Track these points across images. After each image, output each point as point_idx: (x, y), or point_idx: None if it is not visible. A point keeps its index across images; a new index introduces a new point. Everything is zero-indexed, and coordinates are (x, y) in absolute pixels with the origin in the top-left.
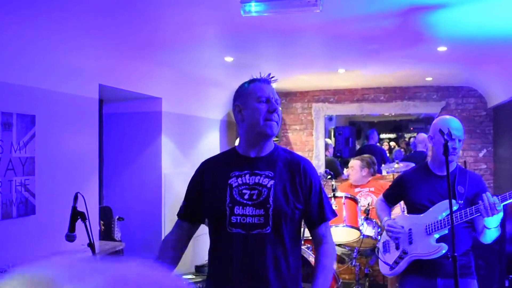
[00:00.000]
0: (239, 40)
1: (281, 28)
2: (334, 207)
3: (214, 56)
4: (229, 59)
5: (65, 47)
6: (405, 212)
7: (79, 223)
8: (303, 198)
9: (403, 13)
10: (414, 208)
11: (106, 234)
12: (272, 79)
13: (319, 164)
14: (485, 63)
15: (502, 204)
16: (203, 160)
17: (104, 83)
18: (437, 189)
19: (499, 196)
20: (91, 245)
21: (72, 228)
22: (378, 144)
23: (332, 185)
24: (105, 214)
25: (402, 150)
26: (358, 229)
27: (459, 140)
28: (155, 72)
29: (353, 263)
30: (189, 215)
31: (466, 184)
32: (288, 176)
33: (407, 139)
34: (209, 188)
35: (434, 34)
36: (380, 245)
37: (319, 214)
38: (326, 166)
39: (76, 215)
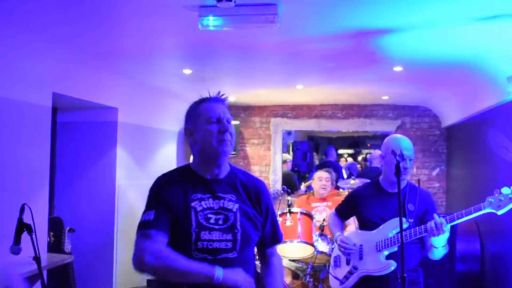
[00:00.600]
0: (197, 53)
1: (241, 43)
2: (289, 223)
3: (173, 68)
4: (187, 71)
5: (18, 52)
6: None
7: (25, 236)
8: (262, 222)
9: (356, 35)
10: (366, 225)
11: (56, 246)
12: (223, 96)
13: (276, 178)
14: (439, 85)
15: (450, 224)
16: (159, 172)
17: (58, 91)
18: (388, 206)
19: (448, 217)
20: (36, 258)
21: (17, 240)
22: (336, 161)
23: (288, 200)
24: (56, 225)
25: (358, 165)
26: (312, 245)
27: (410, 160)
28: (112, 82)
29: (307, 278)
30: (165, 225)
31: (416, 201)
32: (249, 200)
33: (364, 155)
34: (171, 207)
35: (389, 55)
36: (331, 259)
37: (273, 237)
38: (284, 180)
39: (22, 227)
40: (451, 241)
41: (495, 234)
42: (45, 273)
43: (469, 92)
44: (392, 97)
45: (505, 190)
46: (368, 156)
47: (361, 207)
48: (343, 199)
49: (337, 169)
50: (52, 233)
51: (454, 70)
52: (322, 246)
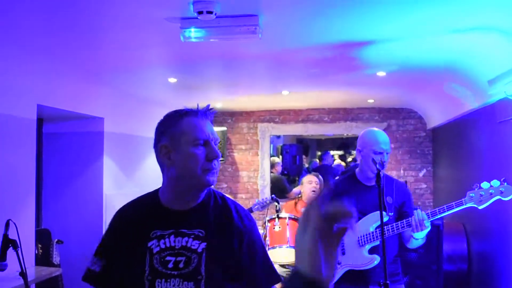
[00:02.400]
0: (182, 62)
1: (224, 52)
2: (278, 228)
3: (158, 77)
4: (172, 80)
5: (0, 65)
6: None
7: (11, 251)
8: (243, 262)
9: (337, 45)
10: None
11: (44, 258)
12: (211, 110)
13: (264, 184)
14: (422, 88)
15: (432, 219)
16: (146, 181)
17: (43, 103)
18: (366, 200)
19: (430, 212)
20: (22, 274)
21: (2, 257)
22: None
23: (276, 205)
24: (43, 237)
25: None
26: None
27: (387, 153)
28: (97, 92)
29: None
30: (112, 279)
31: (393, 194)
32: (223, 235)
33: (353, 156)
34: (122, 250)
35: (371, 61)
36: None
37: (265, 278)
38: (273, 183)
39: (7, 243)
40: (438, 242)
41: (481, 234)
42: (33, 287)
43: (452, 95)
44: (377, 100)
45: (484, 184)
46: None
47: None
48: None
49: (333, 173)
50: (40, 245)
51: (436, 74)
52: None
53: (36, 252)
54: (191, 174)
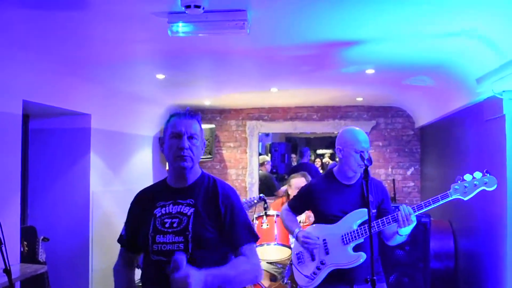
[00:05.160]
0: (170, 58)
1: (212, 48)
2: (266, 226)
3: (145, 73)
4: (160, 76)
5: None
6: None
7: None
8: (222, 223)
9: (328, 42)
10: (326, 219)
11: (30, 255)
12: (191, 113)
13: (252, 181)
14: (410, 86)
15: (418, 212)
16: (134, 178)
17: (29, 98)
18: (347, 199)
19: (415, 206)
20: (6, 271)
21: None
22: (310, 161)
23: (264, 204)
24: (29, 234)
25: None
26: (289, 247)
27: (367, 151)
28: (84, 88)
29: (285, 280)
30: (132, 245)
31: (373, 191)
32: (208, 202)
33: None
34: (139, 220)
35: (360, 59)
36: (293, 256)
37: (240, 237)
38: (262, 182)
39: None
40: (424, 240)
41: (468, 231)
42: (18, 284)
43: (440, 93)
44: (366, 98)
45: (467, 177)
46: None
47: (319, 201)
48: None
49: (316, 171)
50: (25, 243)
51: (425, 73)
52: None
53: (22, 249)
54: (169, 160)
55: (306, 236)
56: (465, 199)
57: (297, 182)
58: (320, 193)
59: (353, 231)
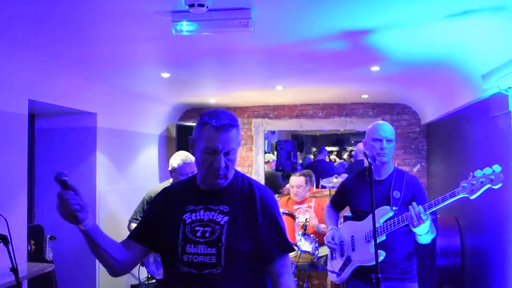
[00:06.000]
0: (174, 57)
1: (217, 46)
2: None
3: (150, 72)
4: (165, 75)
5: None
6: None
7: (2, 247)
8: (259, 233)
9: (330, 37)
10: (357, 215)
11: (37, 254)
12: (229, 125)
13: (258, 179)
14: (416, 83)
15: (429, 211)
16: (140, 176)
17: (34, 98)
18: (375, 195)
19: (426, 204)
20: (13, 269)
21: None
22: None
23: None
24: (36, 233)
25: (345, 162)
26: (295, 245)
27: (387, 141)
28: (89, 87)
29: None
30: (145, 238)
31: (402, 188)
32: (245, 210)
33: (348, 151)
34: (164, 220)
35: (365, 55)
36: (328, 252)
37: (276, 249)
38: (267, 179)
39: None
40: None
41: (474, 228)
42: (25, 282)
43: (446, 90)
44: (371, 95)
45: (478, 173)
46: (353, 152)
47: (351, 196)
48: (323, 198)
49: (332, 168)
50: (32, 242)
51: (429, 69)
52: (306, 246)
53: (29, 248)
54: (201, 171)
55: (327, 237)
56: (471, 197)
57: (294, 180)
58: (351, 189)
59: (376, 229)
